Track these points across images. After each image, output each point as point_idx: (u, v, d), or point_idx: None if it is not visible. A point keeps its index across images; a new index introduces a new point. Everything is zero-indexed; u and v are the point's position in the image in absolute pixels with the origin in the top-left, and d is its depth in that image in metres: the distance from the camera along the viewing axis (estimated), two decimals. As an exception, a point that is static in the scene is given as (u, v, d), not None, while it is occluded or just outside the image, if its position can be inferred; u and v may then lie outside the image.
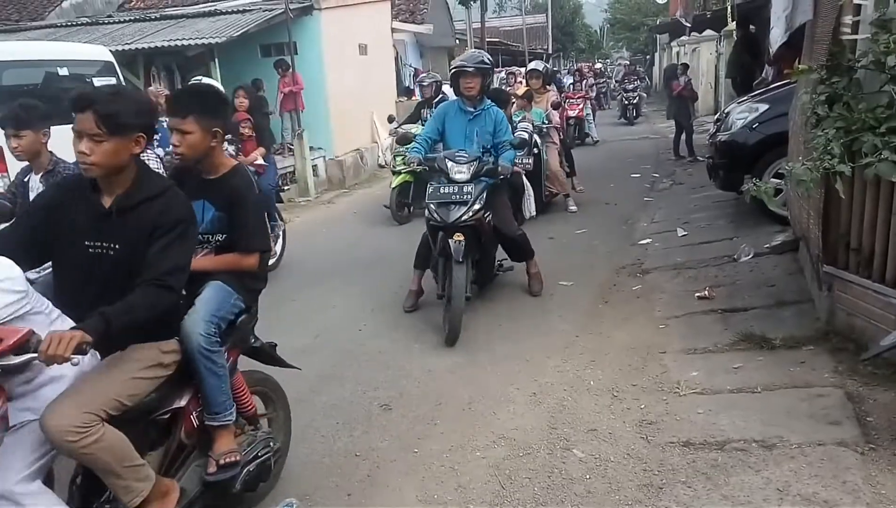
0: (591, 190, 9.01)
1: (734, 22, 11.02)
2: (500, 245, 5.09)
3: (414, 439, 3.30)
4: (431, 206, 4.51)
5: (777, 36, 5.27)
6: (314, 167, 11.26)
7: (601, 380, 3.72)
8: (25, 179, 3.70)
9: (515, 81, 15.40)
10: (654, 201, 8.55)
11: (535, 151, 7.24)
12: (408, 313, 4.95)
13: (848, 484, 2.55)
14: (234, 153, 5.64)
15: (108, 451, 2.04)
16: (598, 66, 31.23)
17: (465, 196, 4.43)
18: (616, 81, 25.48)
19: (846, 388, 3.20)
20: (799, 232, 4.86)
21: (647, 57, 38.94)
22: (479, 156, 4.64)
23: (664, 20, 22.77)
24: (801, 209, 4.64)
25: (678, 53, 23.17)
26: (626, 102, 19.13)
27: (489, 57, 4.99)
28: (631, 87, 19.42)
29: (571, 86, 15.85)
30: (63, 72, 6.98)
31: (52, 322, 2.05)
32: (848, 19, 3.52)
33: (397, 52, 16.32)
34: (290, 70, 10.86)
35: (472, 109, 4.78)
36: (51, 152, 3.62)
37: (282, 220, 6.71)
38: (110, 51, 8.12)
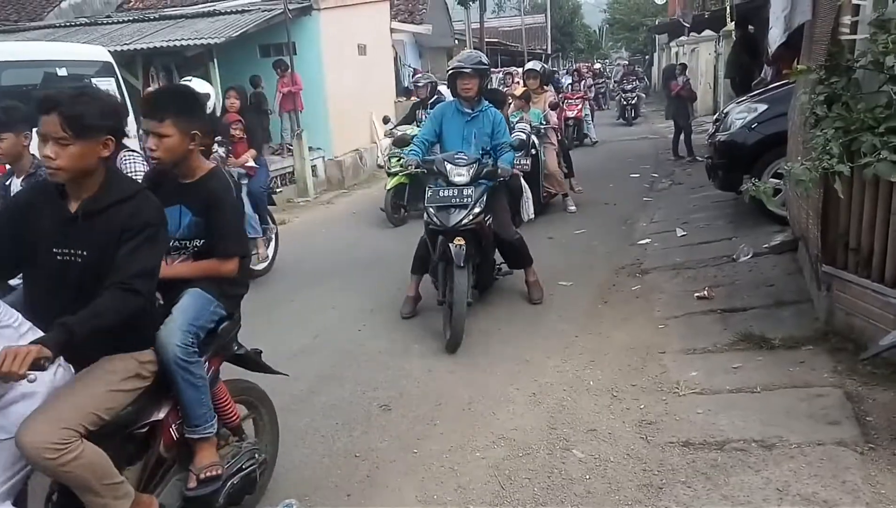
0: (591, 190, 9.02)
1: (733, 22, 11.01)
2: (497, 249, 5.00)
3: (413, 439, 3.30)
4: (431, 209, 4.42)
5: (776, 36, 5.28)
6: (313, 168, 11.26)
7: (601, 380, 3.73)
8: (7, 183, 3.60)
9: (513, 82, 15.40)
10: (654, 201, 8.56)
11: (533, 152, 7.22)
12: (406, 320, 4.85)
13: (847, 484, 2.55)
14: (224, 155, 5.56)
15: (86, 468, 1.97)
16: (598, 66, 31.19)
17: (466, 199, 4.34)
18: (615, 82, 25.43)
19: (845, 388, 3.20)
20: (798, 232, 4.86)
21: (646, 57, 38.96)
22: (478, 158, 4.56)
23: (663, 20, 22.79)
24: (800, 209, 4.65)
25: (677, 54, 23.21)
26: (625, 103, 19.04)
27: (486, 57, 4.93)
28: (629, 87, 19.31)
29: (570, 86, 15.82)
30: (62, 72, 6.98)
31: (22, 336, 1.95)
32: (846, 19, 3.52)
33: (396, 53, 16.33)
34: (289, 70, 10.86)
35: (469, 111, 4.71)
36: (33, 155, 3.50)
37: (274, 223, 6.62)
38: (109, 51, 8.12)
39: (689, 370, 3.69)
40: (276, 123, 11.37)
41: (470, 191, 4.36)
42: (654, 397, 3.46)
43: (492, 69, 6.15)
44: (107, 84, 7.11)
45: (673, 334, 4.24)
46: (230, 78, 10.16)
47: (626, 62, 36.34)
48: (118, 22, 12.23)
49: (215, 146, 5.37)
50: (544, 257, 5.64)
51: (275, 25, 10.74)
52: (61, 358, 2.03)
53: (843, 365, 3.39)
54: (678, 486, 2.71)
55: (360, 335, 4.68)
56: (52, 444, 1.89)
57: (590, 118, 14.98)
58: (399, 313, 4.91)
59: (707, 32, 15.64)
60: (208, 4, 13.09)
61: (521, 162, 6.77)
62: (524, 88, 7.99)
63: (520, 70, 12.68)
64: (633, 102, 19.04)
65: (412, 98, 12.05)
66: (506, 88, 13.01)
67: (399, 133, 8.08)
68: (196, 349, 2.36)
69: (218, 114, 6.30)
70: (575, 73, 18.21)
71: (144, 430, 2.31)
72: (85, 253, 2.08)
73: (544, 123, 7.72)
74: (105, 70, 7.54)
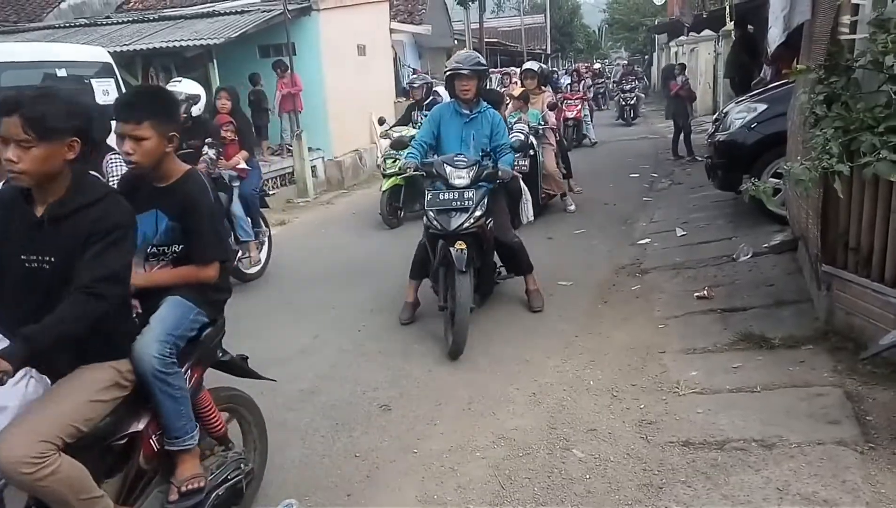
0: (590, 190, 9.02)
1: (732, 22, 11.03)
2: (495, 253, 4.91)
3: (414, 439, 3.30)
4: (431, 213, 4.31)
5: (775, 36, 5.28)
6: (313, 168, 11.26)
7: (601, 380, 3.72)
8: None
9: (510, 82, 15.37)
10: (653, 200, 8.56)
11: (531, 153, 7.20)
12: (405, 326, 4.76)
13: (847, 483, 2.55)
14: (214, 157, 5.42)
15: (64, 483, 1.90)
16: (598, 66, 31.13)
17: (466, 202, 4.24)
18: (613, 82, 25.34)
19: (845, 387, 3.20)
20: (798, 232, 4.86)
21: (646, 57, 38.99)
22: (478, 160, 4.48)
23: (662, 20, 22.79)
24: (799, 209, 4.65)
25: (676, 53, 23.23)
26: (624, 103, 18.82)
27: (484, 58, 4.86)
28: (628, 87, 19.05)
29: (569, 87, 15.77)
30: (61, 73, 6.98)
31: None
32: (846, 19, 3.52)
33: (396, 53, 16.34)
34: (289, 71, 10.86)
35: (467, 112, 4.60)
36: None
37: (267, 226, 6.47)
38: (108, 52, 8.13)
39: (689, 369, 3.69)
40: (275, 123, 11.38)
41: (471, 194, 4.27)
42: (654, 396, 3.46)
43: (490, 70, 6.09)
44: (106, 85, 7.13)
45: (673, 333, 4.24)
46: (230, 78, 10.17)
47: (626, 62, 36.33)
48: (118, 23, 12.25)
49: (205, 148, 5.29)
50: (544, 257, 5.63)
51: (274, 26, 10.74)
52: (33, 370, 2.00)
53: (843, 365, 3.39)
54: (678, 486, 2.71)
55: (359, 336, 4.68)
56: (28, 458, 1.83)
57: (589, 119, 14.92)
58: (398, 317, 4.83)
59: (706, 32, 15.66)
60: (208, 5, 13.09)
61: (520, 163, 6.76)
62: (522, 89, 7.97)
63: (517, 70, 12.63)
64: (632, 102, 18.85)
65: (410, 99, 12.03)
66: (503, 89, 12.99)
67: (396, 135, 8.08)
68: (174, 360, 2.29)
69: (209, 115, 6.09)
70: (574, 73, 18.12)
71: (123, 442, 2.23)
72: (52, 259, 2.01)
73: (542, 123, 7.68)
74: (105, 71, 7.54)
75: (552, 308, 4.90)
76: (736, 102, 6.83)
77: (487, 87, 4.93)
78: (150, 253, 2.44)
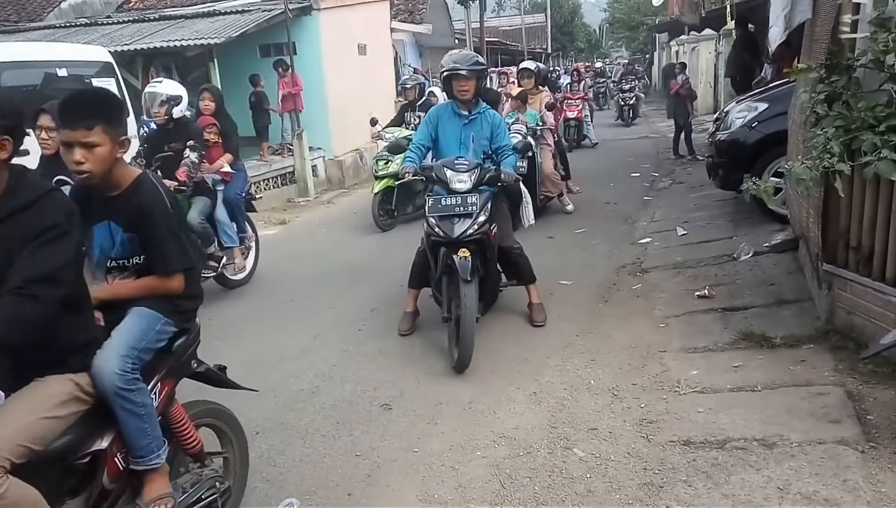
0: (591, 190, 9.02)
1: (733, 21, 11.01)
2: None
3: (414, 438, 3.30)
4: (432, 219, 4.11)
5: (776, 35, 5.27)
6: (313, 167, 11.28)
7: (601, 379, 3.72)
8: None
9: (508, 81, 15.33)
10: (654, 200, 8.55)
11: (530, 154, 7.12)
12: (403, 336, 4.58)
13: (848, 483, 2.55)
14: (197, 161, 5.16)
15: None
16: (599, 65, 31.04)
17: (470, 207, 4.05)
18: (613, 81, 25.18)
19: (846, 386, 3.20)
20: (798, 231, 4.86)
21: (647, 56, 38.99)
22: (479, 163, 4.29)
23: (663, 19, 22.78)
24: (800, 208, 4.65)
25: (677, 52, 23.21)
26: (623, 103, 18.34)
27: (482, 57, 4.71)
28: (628, 87, 18.53)
29: (569, 86, 15.69)
30: (62, 73, 7.00)
31: None
32: (847, 18, 3.52)
33: (396, 53, 16.33)
34: (290, 70, 10.87)
35: (466, 113, 4.41)
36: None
37: (254, 231, 6.24)
38: (109, 51, 8.15)
39: (690, 368, 3.69)
40: (276, 122, 11.39)
41: (474, 198, 4.08)
42: (655, 396, 3.46)
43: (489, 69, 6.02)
44: (107, 84, 7.13)
45: (673, 332, 4.23)
46: (230, 78, 10.19)
47: (626, 61, 36.31)
48: (118, 22, 12.25)
49: (187, 151, 5.11)
50: (545, 257, 5.63)
51: (275, 25, 10.74)
52: None
53: (844, 364, 3.39)
54: (679, 485, 2.71)
55: (359, 335, 4.68)
56: None
57: (589, 119, 14.77)
58: (401, 310, 4.75)
59: (707, 31, 15.63)
60: (208, 4, 13.10)
61: (518, 164, 6.68)
62: (521, 89, 7.93)
63: (514, 70, 12.56)
64: (632, 102, 18.33)
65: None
66: (501, 88, 12.96)
67: (388, 136, 8.04)
68: (137, 376, 2.16)
69: (191, 116, 5.82)
70: (574, 72, 17.96)
71: (86, 461, 2.08)
72: None
73: (540, 124, 7.59)
74: (105, 70, 7.56)
75: (553, 307, 4.89)
76: (737, 102, 6.82)
77: (486, 87, 4.82)
78: (112, 266, 2.35)
